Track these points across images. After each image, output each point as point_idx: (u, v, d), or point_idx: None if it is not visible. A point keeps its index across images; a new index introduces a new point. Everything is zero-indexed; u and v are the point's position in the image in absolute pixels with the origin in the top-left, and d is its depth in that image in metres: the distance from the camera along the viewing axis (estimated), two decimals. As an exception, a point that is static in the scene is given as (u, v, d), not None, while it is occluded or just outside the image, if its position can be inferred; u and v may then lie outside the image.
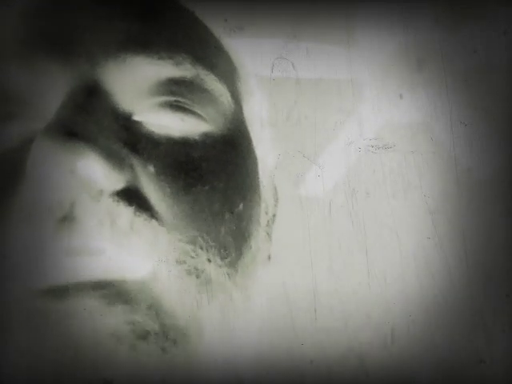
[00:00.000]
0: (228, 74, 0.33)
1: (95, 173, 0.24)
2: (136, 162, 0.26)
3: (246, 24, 0.35)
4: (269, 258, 0.34)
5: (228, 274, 0.28)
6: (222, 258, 0.28)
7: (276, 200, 0.36)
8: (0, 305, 0.24)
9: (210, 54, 0.32)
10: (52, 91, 0.27)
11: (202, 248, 0.27)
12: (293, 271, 0.33)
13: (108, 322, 0.24)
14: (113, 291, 0.24)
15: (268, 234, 0.34)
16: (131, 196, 0.25)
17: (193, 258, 0.26)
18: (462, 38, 0.38)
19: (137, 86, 0.28)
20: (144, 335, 0.24)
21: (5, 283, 0.24)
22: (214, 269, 0.27)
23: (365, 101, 0.36)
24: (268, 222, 0.34)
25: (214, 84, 0.30)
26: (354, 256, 0.34)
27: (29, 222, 0.24)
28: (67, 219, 0.24)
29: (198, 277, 0.27)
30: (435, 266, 0.35)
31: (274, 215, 0.35)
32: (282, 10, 0.36)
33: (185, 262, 0.26)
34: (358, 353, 0.33)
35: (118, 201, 0.25)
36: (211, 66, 0.31)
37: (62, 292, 0.24)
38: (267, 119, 0.36)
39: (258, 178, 0.33)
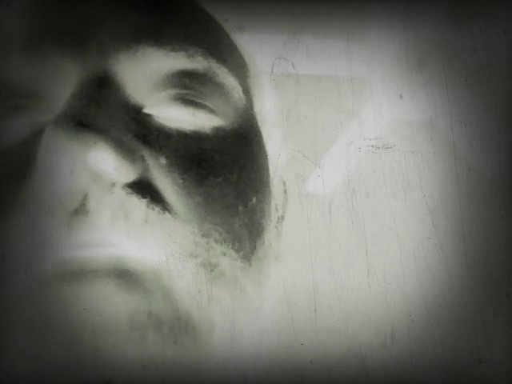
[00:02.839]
0: (239, 69, 0.33)
1: (106, 164, 0.24)
2: (147, 153, 0.26)
3: (246, 24, 0.35)
4: (276, 256, 0.33)
5: (241, 268, 0.28)
6: (236, 251, 0.28)
7: (286, 197, 0.36)
8: (0, 304, 0.24)
9: (222, 49, 0.32)
10: (63, 83, 0.27)
11: (216, 241, 0.27)
12: (293, 271, 0.33)
13: (122, 310, 0.24)
14: (127, 279, 0.24)
15: (278, 230, 0.34)
16: (143, 188, 0.25)
17: (207, 251, 0.26)
18: (461, 37, 0.38)
19: (148, 77, 0.28)
20: (158, 324, 0.24)
21: (6, 280, 0.24)
22: (228, 262, 0.27)
23: (365, 101, 0.36)
24: (278, 218, 0.34)
25: (226, 77, 0.30)
26: (354, 256, 0.34)
27: (40, 215, 0.24)
28: (80, 212, 0.24)
29: (211, 271, 0.27)
30: (435, 265, 0.35)
31: (283, 212, 0.35)
32: (282, 10, 0.36)
33: (198, 256, 0.26)
34: (358, 353, 0.33)
35: (130, 193, 0.25)
36: (223, 60, 0.30)
37: (74, 276, 0.24)
38: (267, 119, 0.35)
39: (269, 173, 0.33)
